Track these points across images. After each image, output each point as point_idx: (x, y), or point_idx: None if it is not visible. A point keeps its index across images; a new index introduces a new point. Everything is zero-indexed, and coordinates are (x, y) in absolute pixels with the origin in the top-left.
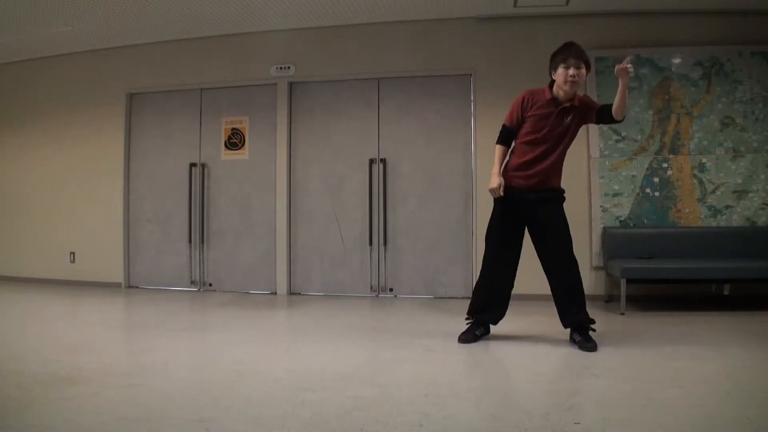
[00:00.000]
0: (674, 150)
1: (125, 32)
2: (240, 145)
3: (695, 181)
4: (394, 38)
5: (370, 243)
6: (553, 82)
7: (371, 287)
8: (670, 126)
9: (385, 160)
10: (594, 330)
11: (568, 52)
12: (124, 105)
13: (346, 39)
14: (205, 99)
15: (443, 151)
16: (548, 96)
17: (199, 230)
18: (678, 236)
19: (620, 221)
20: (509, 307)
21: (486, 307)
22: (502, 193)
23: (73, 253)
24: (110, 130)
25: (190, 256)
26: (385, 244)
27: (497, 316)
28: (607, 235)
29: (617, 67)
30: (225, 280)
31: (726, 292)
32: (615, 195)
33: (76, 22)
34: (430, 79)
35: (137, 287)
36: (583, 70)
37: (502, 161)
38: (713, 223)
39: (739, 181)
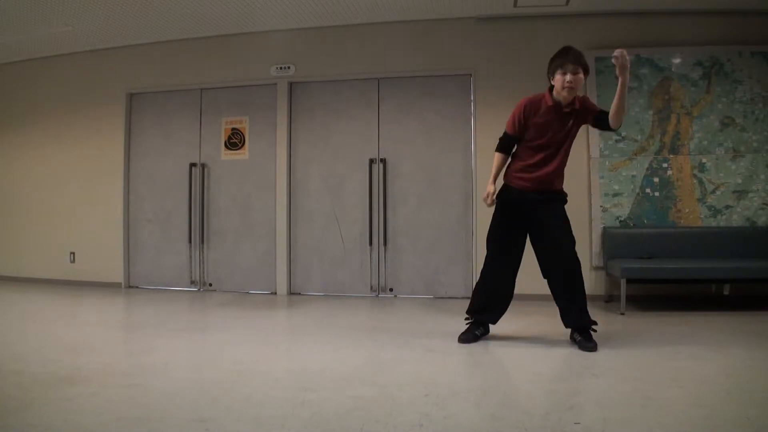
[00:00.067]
0: (674, 150)
1: (125, 32)
2: (240, 145)
3: (695, 181)
4: (394, 38)
5: (370, 243)
6: (552, 86)
7: (371, 287)
8: (670, 126)
9: (385, 160)
10: (595, 330)
11: (564, 58)
12: (124, 105)
13: (346, 39)
14: (205, 99)
15: (443, 151)
16: (549, 103)
17: (199, 230)
18: (678, 236)
19: (620, 221)
20: (509, 307)
21: (486, 308)
22: (490, 202)
23: (73, 253)
24: (110, 130)
25: (190, 256)
26: (385, 244)
27: (497, 317)
28: (607, 235)
29: (614, 56)
30: (225, 280)
31: (726, 292)
32: (615, 195)
33: (76, 22)
34: (430, 79)
35: (137, 287)
36: (581, 75)
37: (500, 170)
38: (713, 223)
39: (739, 181)
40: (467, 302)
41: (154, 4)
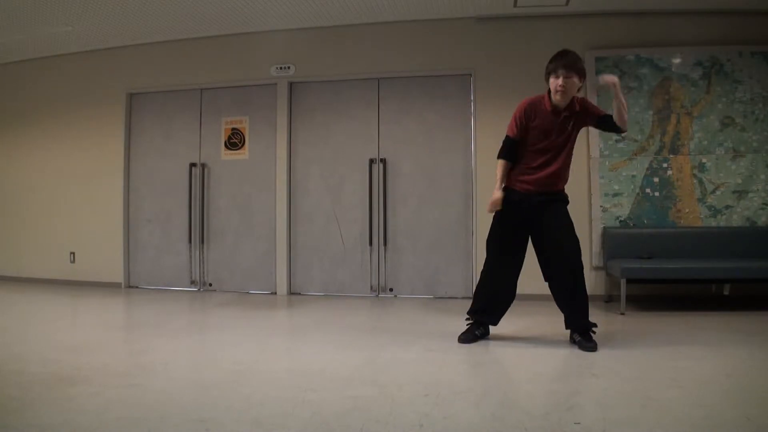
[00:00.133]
0: (674, 150)
1: (125, 32)
2: (240, 145)
3: (695, 181)
4: (394, 38)
5: (370, 243)
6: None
7: (371, 287)
8: (670, 126)
9: (385, 160)
10: (594, 332)
11: (558, 62)
12: (124, 105)
13: (346, 39)
14: (205, 99)
15: (443, 151)
16: (548, 107)
17: (199, 230)
18: (678, 236)
19: (620, 221)
20: (510, 307)
21: (486, 309)
22: (491, 209)
23: (73, 253)
24: (110, 130)
25: (190, 256)
26: (385, 244)
27: (497, 318)
28: (607, 235)
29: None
30: (225, 280)
31: (726, 292)
32: (615, 195)
33: (76, 22)
34: (430, 79)
35: (137, 287)
36: (573, 80)
37: (505, 176)
38: (713, 223)
39: (739, 181)
40: (467, 302)
41: (154, 4)
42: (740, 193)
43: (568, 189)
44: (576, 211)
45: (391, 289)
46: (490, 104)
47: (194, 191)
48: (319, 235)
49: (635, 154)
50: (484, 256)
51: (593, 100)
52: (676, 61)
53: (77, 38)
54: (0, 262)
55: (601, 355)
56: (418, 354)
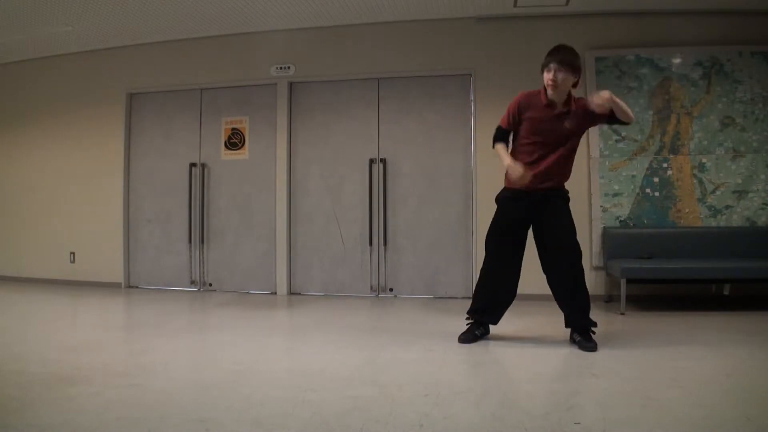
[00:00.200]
0: (674, 150)
1: (125, 32)
2: (240, 145)
3: (695, 181)
4: (394, 38)
5: (370, 243)
6: None
7: (371, 287)
8: (670, 126)
9: (385, 160)
10: (594, 332)
11: (551, 57)
12: (124, 105)
13: (346, 39)
14: (205, 99)
15: (443, 151)
16: (544, 101)
17: (199, 230)
18: (678, 236)
19: (620, 221)
20: (510, 306)
21: (486, 308)
22: (527, 176)
23: (73, 253)
24: (110, 130)
25: (190, 256)
26: (385, 244)
27: (497, 317)
28: (607, 235)
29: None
30: (225, 280)
31: (726, 292)
32: (615, 195)
33: (76, 22)
34: (430, 79)
35: (137, 287)
36: (564, 75)
37: (507, 153)
38: (713, 223)
39: (739, 181)
40: (467, 302)
41: (154, 4)
42: (740, 193)
43: (569, 189)
44: (576, 211)
45: (391, 289)
46: (490, 104)
47: (194, 191)
48: (319, 235)
49: (635, 154)
50: (484, 255)
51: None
52: (676, 61)
53: (77, 38)
54: (0, 262)
55: (601, 355)
56: (418, 354)
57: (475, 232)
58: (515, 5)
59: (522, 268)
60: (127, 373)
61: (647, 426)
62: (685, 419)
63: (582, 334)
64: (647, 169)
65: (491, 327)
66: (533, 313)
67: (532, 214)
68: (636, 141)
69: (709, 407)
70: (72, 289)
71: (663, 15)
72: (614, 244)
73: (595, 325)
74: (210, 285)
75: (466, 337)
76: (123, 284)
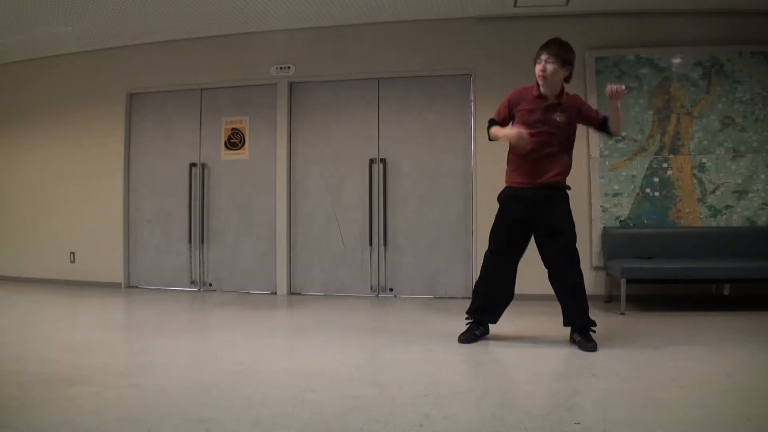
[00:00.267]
0: (674, 150)
1: (125, 32)
2: (240, 145)
3: (695, 181)
4: (394, 38)
5: (370, 243)
6: None
7: (371, 287)
8: (670, 126)
9: (385, 160)
10: (594, 331)
11: (542, 50)
12: (124, 105)
13: (346, 39)
14: (205, 99)
15: (443, 151)
16: (535, 93)
17: (199, 230)
18: (678, 236)
19: (620, 221)
20: (509, 306)
21: (486, 308)
22: (527, 137)
23: (73, 253)
24: (110, 130)
25: (190, 256)
26: (385, 244)
27: (497, 316)
28: (607, 235)
29: (608, 89)
30: (225, 280)
31: (726, 292)
32: (615, 195)
33: (76, 22)
34: (430, 79)
35: (137, 287)
36: (553, 66)
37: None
38: (713, 223)
39: (739, 181)
40: (467, 302)
41: (154, 4)
42: (740, 193)
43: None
44: (576, 211)
45: (391, 289)
46: (490, 104)
47: (194, 191)
48: (319, 235)
49: (635, 154)
50: (484, 255)
51: (593, 100)
52: (676, 61)
53: (77, 38)
54: (0, 262)
55: (601, 355)
56: (418, 354)
57: (475, 232)
58: (515, 5)
59: (522, 267)
60: (127, 373)
61: (647, 426)
62: (685, 419)
63: (582, 334)
64: (647, 169)
65: (491, 327)
66: (533, 313)
67: (533, 214)
68: (636, 141)
69: (709, 407)
70: (72, 289)
71: (663, 15)
72: (614, 244)
73: (594, 324)
74: (210, 285)
75: (466, 337)
76: (123, 284)
